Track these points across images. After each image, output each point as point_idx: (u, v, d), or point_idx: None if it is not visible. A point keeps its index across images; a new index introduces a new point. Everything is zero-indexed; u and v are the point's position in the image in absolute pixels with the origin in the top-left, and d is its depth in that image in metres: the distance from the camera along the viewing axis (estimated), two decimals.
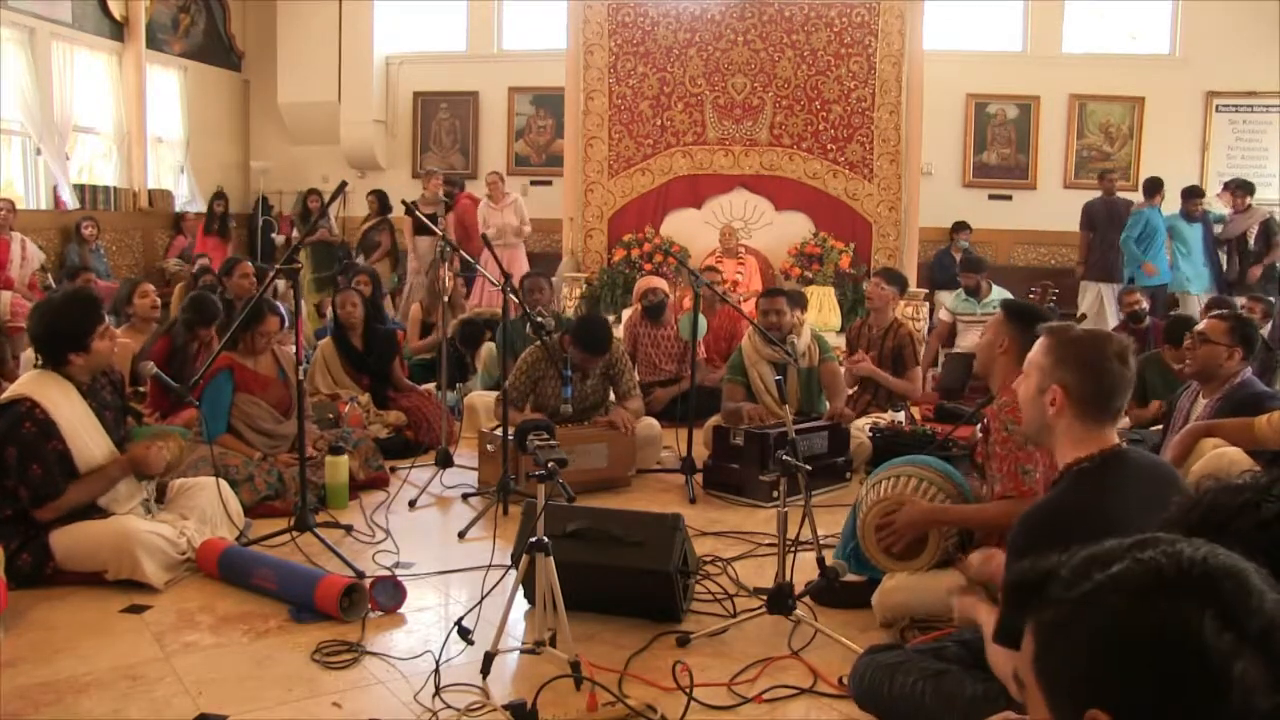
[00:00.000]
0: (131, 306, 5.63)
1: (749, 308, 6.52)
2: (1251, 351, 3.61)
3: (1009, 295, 6.72)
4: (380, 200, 9.53)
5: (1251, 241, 8.22)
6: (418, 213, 5.04)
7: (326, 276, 9.27)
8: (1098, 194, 8.96)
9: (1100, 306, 8.56)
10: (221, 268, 6.64)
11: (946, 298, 7.65)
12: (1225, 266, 8.40)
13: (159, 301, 5.57)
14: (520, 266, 8.55)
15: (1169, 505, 1.97)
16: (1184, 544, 0.89)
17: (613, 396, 5.02)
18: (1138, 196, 8.68)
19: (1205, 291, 8.12)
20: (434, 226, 5.92)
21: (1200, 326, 3.62)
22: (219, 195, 10.13)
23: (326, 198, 10.30)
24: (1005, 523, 2.65)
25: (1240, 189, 8.33)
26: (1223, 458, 2.97)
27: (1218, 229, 8.46)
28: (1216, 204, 8.76)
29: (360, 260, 9.05)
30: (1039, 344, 2.09)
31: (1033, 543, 1.88)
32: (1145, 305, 6.63)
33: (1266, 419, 3.15)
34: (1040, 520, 1.94)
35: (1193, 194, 8.41)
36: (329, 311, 8.02)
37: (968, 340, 6.39)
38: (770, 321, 4.95)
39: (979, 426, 3.16)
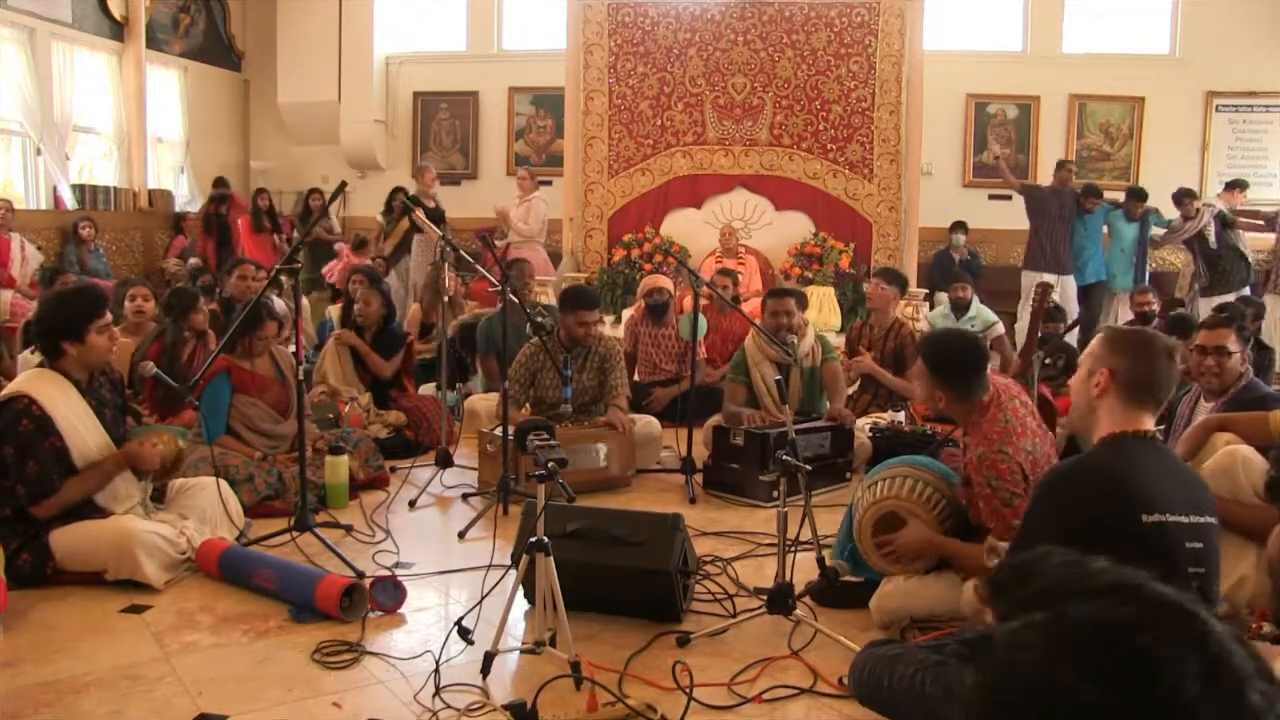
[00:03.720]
0: (123, 308, 5.61)
1: (750, 307, 6.53)
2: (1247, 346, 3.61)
3: (988, 312, 6.75)
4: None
5: (1212, 240, 8.24)
6: (416, 214, 5.05)
7: (319, 277, 9.24)
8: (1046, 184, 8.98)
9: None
10: (224, 268, 6.64)
11: (935, 313, 7.69)
12: (1199, 271, 8.44)
13: (144, 307, 5.53)
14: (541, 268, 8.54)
15: (1198, 495, 2.07)
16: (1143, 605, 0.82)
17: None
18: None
19: (1127, 289, 8.21)
20: (432, 227, 5.93)
21: (1216, 341, 3.49)
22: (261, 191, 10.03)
23: (327, 197, 10.32)
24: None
25: (1179, 200, 8.38)
26: (1235, 454, 2.95)
27: (1159, 232, 8.62)
28: (1218, 203, 8.77)
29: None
30: (1096, 339, 2.26)
31: (1055, 494, 2.08)
32: (1155, 307, 6.63)
33: None
34: (1064, 474, 2.12)
35: (1135, 195, 8.62)
36: (328, 311, 8.04)
37: None
38: (779, 322, 4.93)
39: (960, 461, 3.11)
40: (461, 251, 5.15)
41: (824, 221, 8.41)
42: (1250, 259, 8.30)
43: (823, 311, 7.87)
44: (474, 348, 6.38)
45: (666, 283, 6.33)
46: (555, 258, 8.99)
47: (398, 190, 9.32)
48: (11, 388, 3.36)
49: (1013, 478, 2.74)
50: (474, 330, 6.45)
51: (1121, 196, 8.86)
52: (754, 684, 2.66)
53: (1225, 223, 8.23)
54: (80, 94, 9.18)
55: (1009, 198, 10.18)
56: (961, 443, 3.07)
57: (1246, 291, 7.85)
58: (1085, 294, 8.59)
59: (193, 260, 9.07)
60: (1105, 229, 8.70)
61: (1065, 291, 8.36)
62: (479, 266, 5.36)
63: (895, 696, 2.12)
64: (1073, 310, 8.04)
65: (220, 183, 9.85)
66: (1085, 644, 0.79)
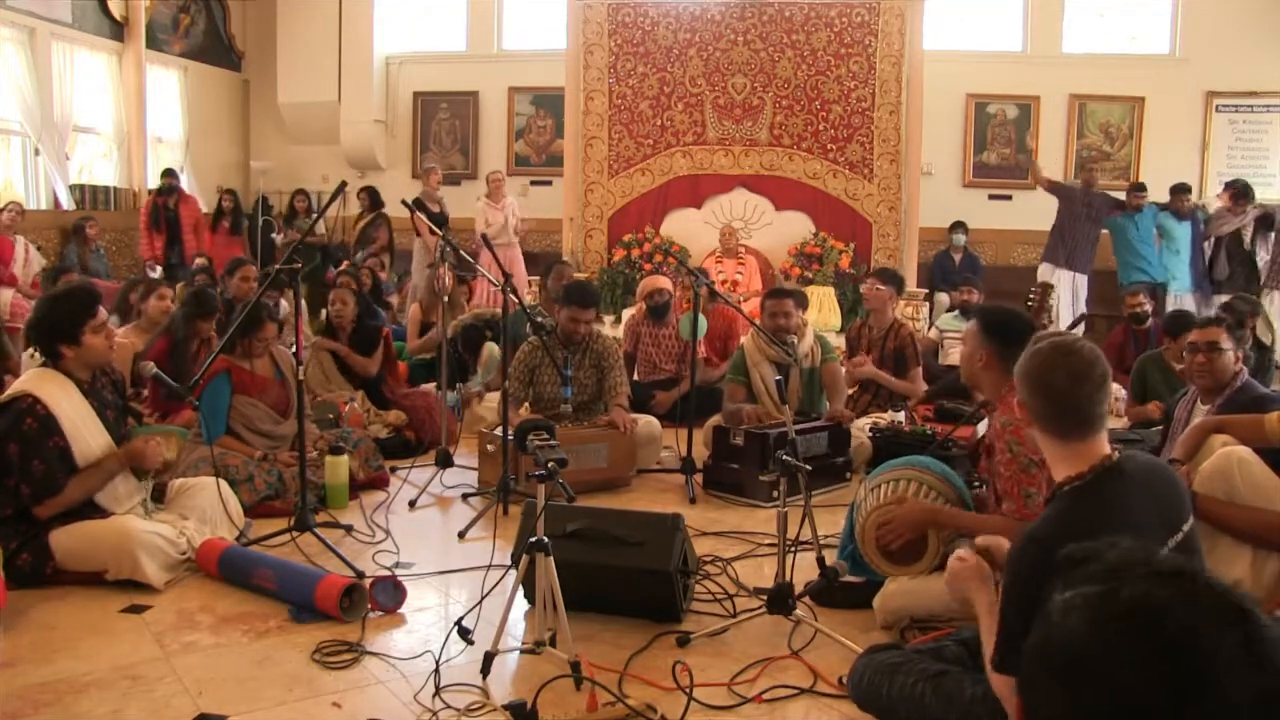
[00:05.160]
0: (145, 305, 5.62)
1: (750, 307, 6.53)
2: (1240, 347, 3.61)
3: None
4: (372, 196, 9.62)
5: (1247, 240, 8.20)
6: (418, 213, 5.05)
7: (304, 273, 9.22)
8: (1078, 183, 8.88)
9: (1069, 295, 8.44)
10: (225, 268, 6.63)
11: (944, 316, 7.68)
12: (1211, 265, 8.39)
13: (170, 307, 5.54)
14: (516, 267, 8.67)
15: (1171, 505, 1.98)
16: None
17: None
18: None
19: (1186, 290, 8.13)
20: (435, 228, 5.93)
21: (1208, 338, 3.49)
22: (228, 191, 10.11)
23: (320, 198, 10.38)
24: (1004, 536, 2.65)
25: (1241, 195, 8.29)
26: (1231, 456, 2.95)
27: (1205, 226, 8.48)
28: (1215, 203, 8.76)
29: (358, 257, 9.08)
30: None
31: (1033, 564, 1.80)
32: (1148, 307, 6.63)
33: (1278, 416, 3.12)
34: (1040, 541, 1.83)
35: (1180, 190, 8.38)
36: (323, 314, 8.04)
37: (954, 357, 6.40)
38: (778, 324, 4.93)
39: (982, 437, 3.16)
40: (462, 252, 5.15)
41: (824, 221, 8.41)
42: (1260, 265, 8.25)
43: (823, 311, 7.88)
44: (474, 348, 6.38)
45: (666, 283, 6.33)
46: (555, 257, 8.99)
47: (365, 189, 9.66)
48: (15, 387, 3.36)
49: (1032, 445, 2.77)
50: (474, 330, 6.45)
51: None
52: (754, 684, 2.66)
53: (1268, 225, 8.13)
54: (80, 94, 9.18)
55: (1009, 198, 10.20)
56: (989, 417, 3.11)
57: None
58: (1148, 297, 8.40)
59: (199, 260, 8.99)
60: (1156, 230, 8.40)
61: (1077, 289, 8.34)
62: (479, 267, 5.36)
63: (895, 705, 2.12)
64: (1081, 308, 8.05)
65: (169, 174, 9.42)
66: (1122, 622, 0.86)
